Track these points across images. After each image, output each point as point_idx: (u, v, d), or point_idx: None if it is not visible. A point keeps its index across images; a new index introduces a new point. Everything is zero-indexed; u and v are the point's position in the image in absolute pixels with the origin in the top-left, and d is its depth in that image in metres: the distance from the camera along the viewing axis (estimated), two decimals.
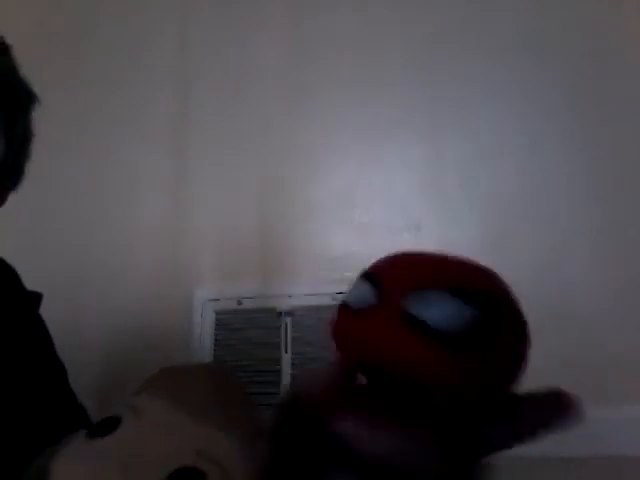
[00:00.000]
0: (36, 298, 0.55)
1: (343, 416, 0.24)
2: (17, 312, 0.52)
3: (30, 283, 0.65)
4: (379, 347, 0.24)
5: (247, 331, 1.46)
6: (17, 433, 0.54)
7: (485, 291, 0.25)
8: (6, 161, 0.61)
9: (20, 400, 0.59)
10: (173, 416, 0.26)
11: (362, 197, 1.53)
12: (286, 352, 1.42)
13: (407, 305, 0.24)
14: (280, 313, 1.46)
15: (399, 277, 0.25)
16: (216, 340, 1.47)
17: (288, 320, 1.45)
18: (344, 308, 0.27)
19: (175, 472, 0.25)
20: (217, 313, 1.49)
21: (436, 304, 0.24)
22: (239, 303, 1.49)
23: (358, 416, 0.24)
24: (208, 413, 0.26)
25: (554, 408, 0.26)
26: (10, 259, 0.66)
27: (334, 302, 1.41)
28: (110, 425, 0.29)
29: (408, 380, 0.24)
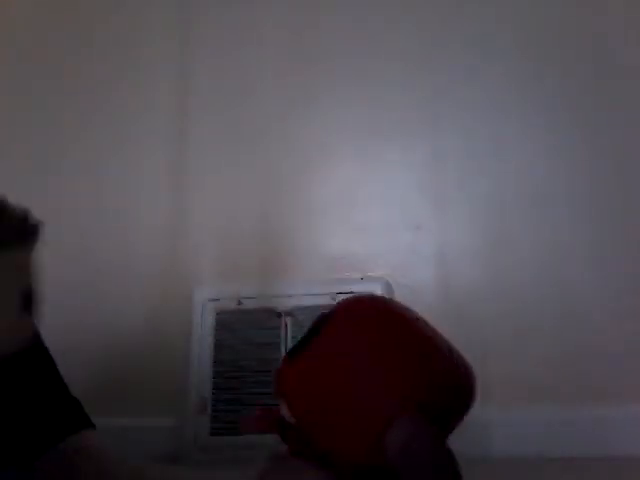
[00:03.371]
0: None
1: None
2: None
3: None
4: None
5: (247, 331, 1.46)
6: (9, 424, 0.54)
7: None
8: None
9: (6, 391, 0.59)
10: None
11: (362, 197, 1.53)
12: (286, 352, 1.41)
13: None
14: (280, 313, 1.46)
15: None
16: (216, 340, 1.47)
17: (288, 320, 1.45)
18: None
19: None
20: (217, 313, 1.49)
21: None
22: (239, 303, 1.49)
23: None
24: None
25: None
26: None
27: (333, 302, 1.40)
28: None
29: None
